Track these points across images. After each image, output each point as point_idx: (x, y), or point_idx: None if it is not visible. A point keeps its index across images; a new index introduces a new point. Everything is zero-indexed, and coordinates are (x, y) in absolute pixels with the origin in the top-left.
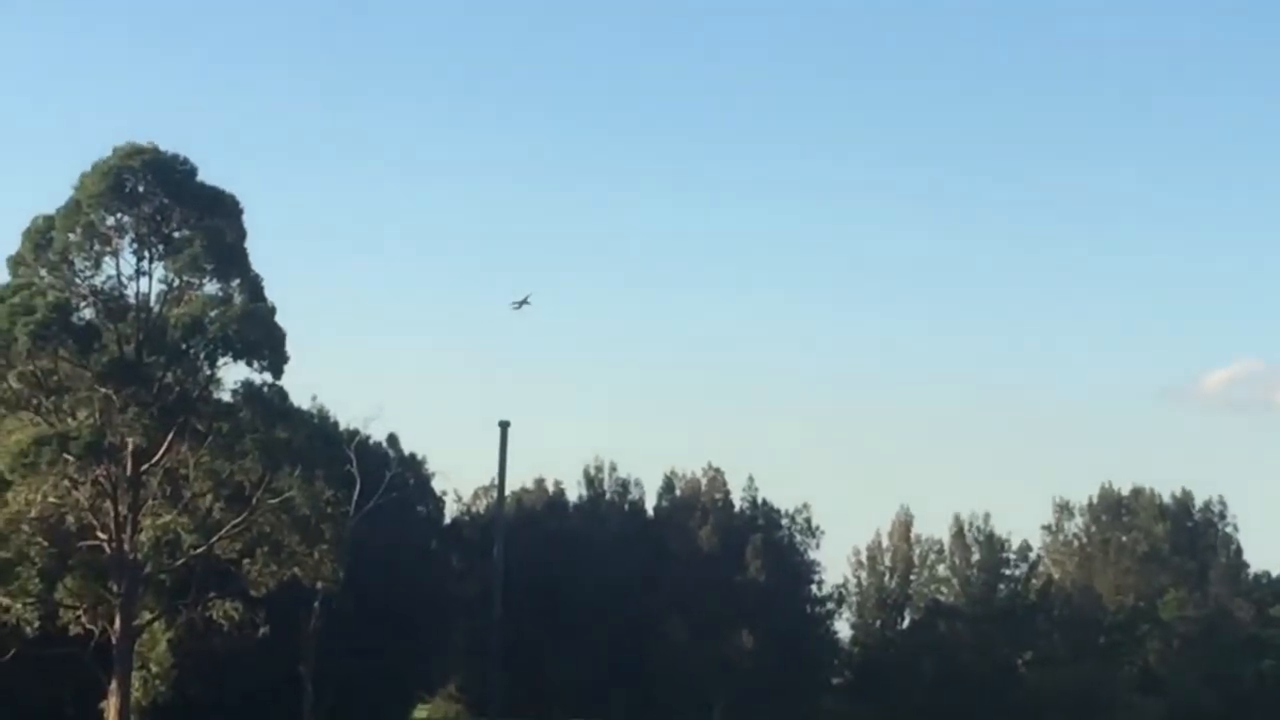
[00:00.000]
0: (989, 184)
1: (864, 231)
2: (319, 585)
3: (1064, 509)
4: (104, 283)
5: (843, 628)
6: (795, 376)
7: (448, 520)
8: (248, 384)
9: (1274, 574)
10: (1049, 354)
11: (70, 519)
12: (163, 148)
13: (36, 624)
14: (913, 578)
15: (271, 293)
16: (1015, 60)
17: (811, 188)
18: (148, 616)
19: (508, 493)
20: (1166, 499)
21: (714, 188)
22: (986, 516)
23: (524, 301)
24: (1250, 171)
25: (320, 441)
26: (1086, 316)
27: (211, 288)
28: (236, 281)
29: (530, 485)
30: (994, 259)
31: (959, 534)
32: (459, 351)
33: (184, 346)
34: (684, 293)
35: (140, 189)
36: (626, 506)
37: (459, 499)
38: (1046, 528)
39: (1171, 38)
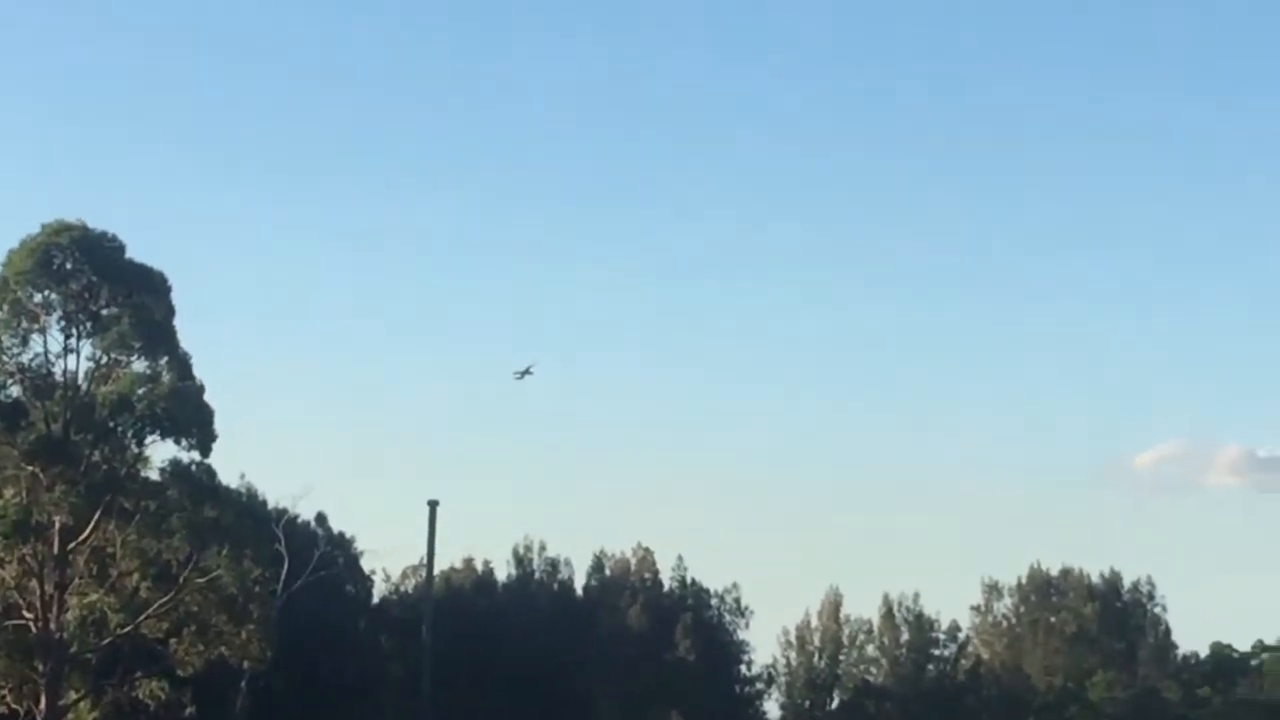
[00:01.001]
0: (917, 262)
1: (791, 310)
2: (246, 665)
3: (993, 589)
4: (31, 360)
5: (772, 708)
6: (724, 456)
7: (376, 600)
8: (175, 462)
9: (1202, 655)
10: (977, 434)
11: None
12: (91, 225)
13: None
14: (842, 658)
15: (200, 371)
16: (949, 128)
17: (738, 264)
18: (74, 696)
19: (436, 572)
20: (1095, 579)
21: (640, 263)
22: (916, 596)
23: (527, 371)
24: (1180, 252)
25: (248, 520)
26: (1015, 396)
27: (139, 365)
28: (164, 359)
29: (459, 565)
30: (923, 338)
31: (888, 614)
32: (388, 430)
33: (111, 424)
34: (612, 371)
35: (68, 266)
36: (556, 586)
37: (387, 578)
38: (975, 608)
39: (1097, 116)
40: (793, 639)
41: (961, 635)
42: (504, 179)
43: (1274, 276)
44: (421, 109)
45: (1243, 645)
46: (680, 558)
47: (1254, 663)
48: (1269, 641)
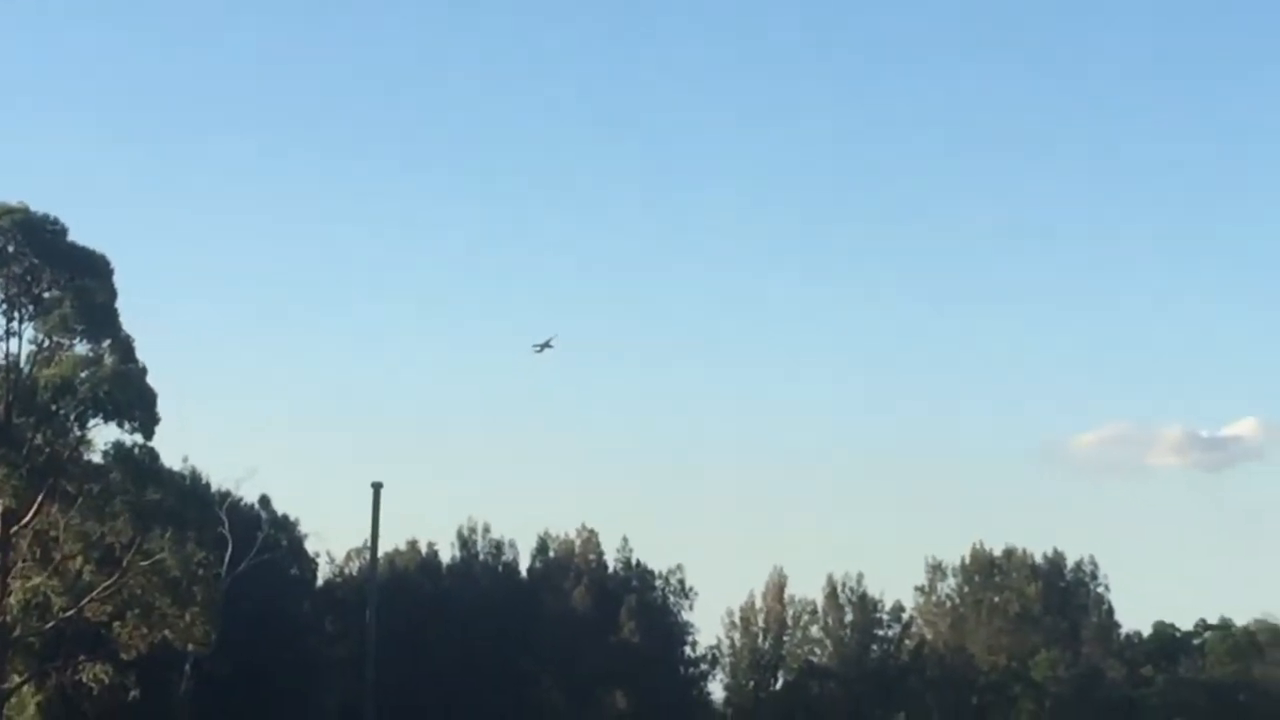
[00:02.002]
0: (858, 242)
1: (730, 291)
2: (190, 648)
3: (937, 569)
4: None
5: (716, 689)
6: (667, 437)
7: (320, 582)
8: (118, 445)
9: (1145, 634)
10: (921, 414)
11: None
12: (33, 208)
13: None
14: (786, 639)
15: (143, 353)
16: (886, 115)
17: (675, 248)
18: (17, 679)
19: (380, 554)
20: (1038, 559)
21: (578, 247)
22: (859, 577)
23: (547, 344)
24: (1119, 233)
25: (192, 503)
26: (959, 377)
27: (82, 348)
28: (107, 342)
29: (403, 547)
30: (866, 320)
31: (832, 595)
32: (331, 412)
33: (54, 407)
34: (555, 354)
35: (10, 249)
36: (500, 568)
37: (331, 560)
38: (919, 588)
39: (1024, 99)
40: (737, 620)
41: (905, 615)
42: (454, 162)
43: (1217, 261)
44: (361, 89)
45: (1185, 624)
46: (625, 539)
47: (1196, 642)
48: (1211, 620)
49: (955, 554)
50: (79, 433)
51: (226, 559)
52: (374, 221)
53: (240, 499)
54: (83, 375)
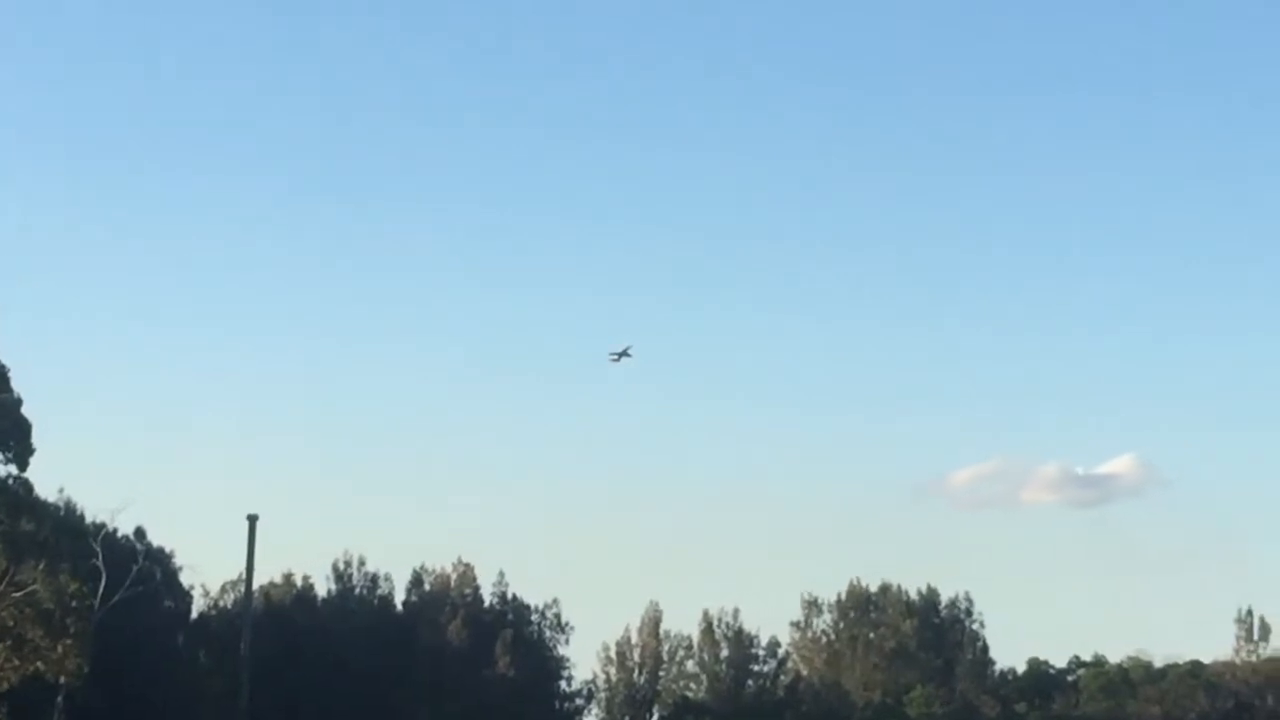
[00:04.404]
0: (734, 276)
1: (611, 323)
2: (62, 680)
3: (813, 605)
4: None
5: None
6: (543, 471)
7: (195, 614)
8: None
9: (1020, 671)
10: (799, 450)
11: None
12: None
13: None
14: (662, 674)
15: (18, 383)
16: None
17: (551, 272)
18: None
19: (256, 587)
20: (914, 596)
21: (462, 267)
22: (736, 613)
23: (624, 353)
24: (997, 271)
25: (66, 534)
26: (836, 413)
27: None
28: None
29: (278, 579)
30: (743, 353)
31: (708, 630)
32: (207, 444)
33: None
34: (429, 385)
35: None
36: (375, 601)
37: (206, 593)
38: (795, 624)
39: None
40: (613, 655)
41: (781, 651)
42: (329, 173)
43: (1095, 297)
44: (253, 107)
45: (1059, 661)
46: (501, 573)
47: (1070, 679)
48: (1085, 658)
49: (831, 590)
50: None
51: (100, 591)
52: (251, 243)
53: (115, 530)
54: None
